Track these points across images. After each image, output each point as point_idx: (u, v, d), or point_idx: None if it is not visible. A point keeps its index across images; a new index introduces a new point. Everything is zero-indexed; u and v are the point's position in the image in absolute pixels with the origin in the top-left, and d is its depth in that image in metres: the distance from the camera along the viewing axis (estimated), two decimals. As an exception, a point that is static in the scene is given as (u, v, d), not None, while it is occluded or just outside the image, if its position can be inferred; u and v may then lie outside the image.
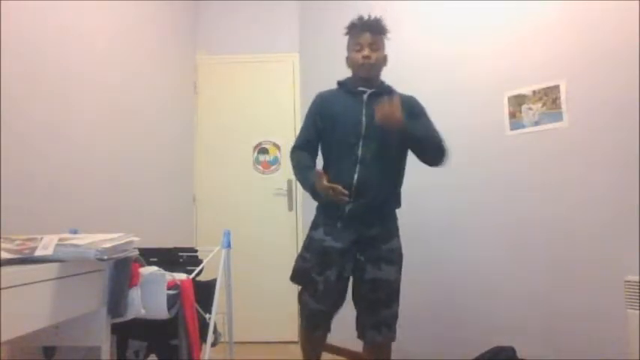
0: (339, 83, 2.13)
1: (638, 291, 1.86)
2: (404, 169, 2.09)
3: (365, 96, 2.00)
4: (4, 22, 2.02)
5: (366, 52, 1.98)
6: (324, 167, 2.04)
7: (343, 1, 3.45)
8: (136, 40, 3.08)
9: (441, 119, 2.74)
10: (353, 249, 1.93)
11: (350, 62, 2.07)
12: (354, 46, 2.03)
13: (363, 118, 1.95)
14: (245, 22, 3.91)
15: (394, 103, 1.78)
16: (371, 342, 1.93)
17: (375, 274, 1.91)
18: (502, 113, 2.45)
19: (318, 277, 1.92)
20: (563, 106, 2.21)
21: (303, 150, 2.08)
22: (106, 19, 2.77)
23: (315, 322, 1.99)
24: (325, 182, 1.84)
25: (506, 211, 2.41)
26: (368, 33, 2.00)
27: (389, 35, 2.07)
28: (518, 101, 2.39)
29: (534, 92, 2.32)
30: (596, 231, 2.08)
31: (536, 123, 2.31)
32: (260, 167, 3.77)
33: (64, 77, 2.40)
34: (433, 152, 1.99)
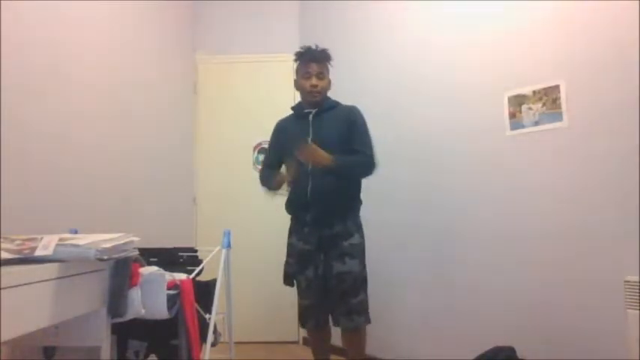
0: (292, 108, 2.45)
1: (638, 291, 1.86)
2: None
3: (310, 117, 2.31)
4: (4, 23, 2.02)
5: (313, 81, 2.28)
6: (290, 186, 2.35)
7: (343, 1, 3.45)
8: (136, 40, 3.08)
9: (441, 119, 2.76)
10: (320, 248, 2.21)
11: (299, 88, 2.36)
12: (303, 74, 2.32)
13: (309, 136, 2.25)
14: (245, 22, 3.91)
15: (311, 148, 2.12)
16: (345, 328, 2.20)
17: (340, 268, 2.16)
18: (502, 113, 2.45)
19: (300, 276, 2.26)
20: (563, 106, 2.21)
21: (269, 168, 2.44)
22: (106, 20, 2.77)
23: (305, 316, 2.31)
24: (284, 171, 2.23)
25: (506, 211, 2.41)
26: (315, 63, 2.30)
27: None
28: (518, 101, 2.38)
29: (534, 92, 2.32)
30: (596, 231, 2.08)
31: (536, 123, 2.31)
32: (260, 167, 3.77)
33: (63, 77, 2.40)
34: (363, 173, 2.32)
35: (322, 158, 2.13)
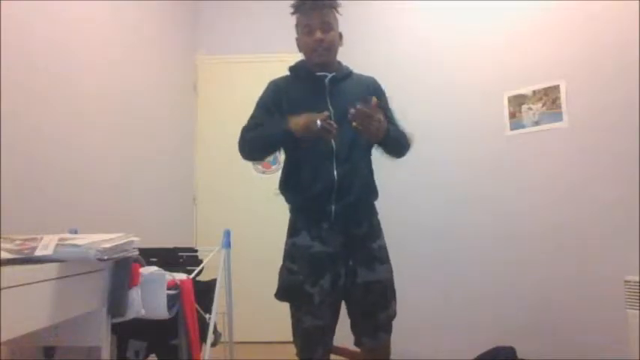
0: (291, 69, 1.90)
1: (638, 291, 1.86)
2: (370, 159, 1.87)
3: (326, 81, 1.77)
4: (4, 23, 2.02)
5: (317, 35, 1.72)
6: (292, 167, 1.79)
7: (342, 1, 3.44)
8: (136, 40, 3.08)
9: (442, 119, 2.76)
10: (344, 252, 1.69)
11: (301, 46, 1.82)
12: (303, 28, 1.77)
13: (331, 108, 1.69)
14: (245, 22, 3.91)
15: (371, 109, 1.53)
16: (371, 346, 1.75)
17: (368, 277, 1.69)
18: (502, 113, 2.45)
19: (312, 288, 1.65)
20: (563, 106, 2.21)
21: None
22: (106, 20, 2.77)
23: (313, 341, 1.69)
24: (305, 115, 1.59)
25: (506, 211, 2.41)
26: (317, 11, 1.74)
27: (341, 10, 1.82)
28: (518, 101, 2.39)
29: (534, 92, 2.32)
30: (596, 231, 2.08)
31: (536, 123, 2.31)
32: (260, 167, 3.77)
33: (63, 78, 2.40)
34: (405, 149, 1.85)
35: (380, 128, 1.57)
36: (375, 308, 1.71)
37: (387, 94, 1.89)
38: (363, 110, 1.50)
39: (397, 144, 1.80)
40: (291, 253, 1.74)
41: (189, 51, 3.79)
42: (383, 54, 3.14)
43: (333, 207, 1.68)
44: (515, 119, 2.39)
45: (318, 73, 1.78)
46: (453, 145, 2.67)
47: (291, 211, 1.81)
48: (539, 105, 2.30)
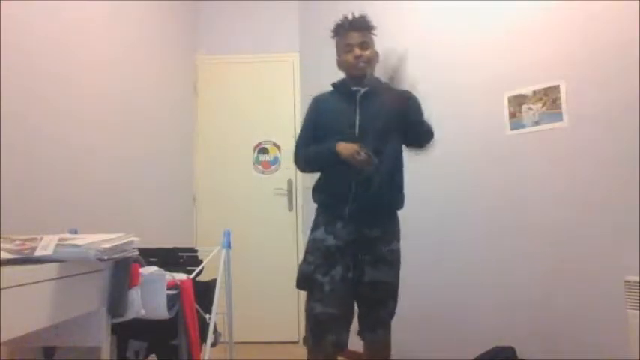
0: (334, 85, 2.10)
1: (638, 291, 1.86)
2: (402, 169, 2.04)
3: (358, 95, 1.97)
4: (4, 23, 2.02)
5: (357, 52, 1.96)
6: (324, 172, 2.03)
7: (343, 1, 3.44)
8: (137, 41, 3.08)
9: (442, 119, 2.75)
10: (353, 247, 1.88)
11: (342, 64, 2.05)
12: (344, 47, 2.00)
13: (357, 118, 1.93)
14: (245, 22, 3.91)
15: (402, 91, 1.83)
16: (368, 341, 1.95)
17: (374, 276, 1.87)
18: (502, 113, 2.45)
19: (323, 277, 1.84)
20: (563, 106, 2.21)
21: (307, 147, 2.06)
22: (107, 20, 2.77)
23: (323, 328, 1.80)
24: (351, 145, 1.82)
25: (506, 211, 2.41)
26: (356, 32, 1.99)
27: (376, 32, 2.07)
28: (518, 101, 2.39)
29: (534, 92, 2.32)
30: (596, 231, 2.08)
31: (536, 123, 2.31)
32: (260, 167, 3.77)
33: (63, 78, 2.40)
34: (429, 135, 2.00)
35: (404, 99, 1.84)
36: (377, 304, 1.90)
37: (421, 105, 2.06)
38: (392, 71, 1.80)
39: (421, 123, 1.97)
40: (310, 246, 1.95)
41: (189, 51, 3.79)
42: (383, 54, 3.13)
43: (347, 208, 1.88)
44: (515, 119, 2.39)
45: (354, 88, 1.99)
46: (452, 145, 2.67)
47: (316, 209, 2.03)
48: (539, 105, 2.30)
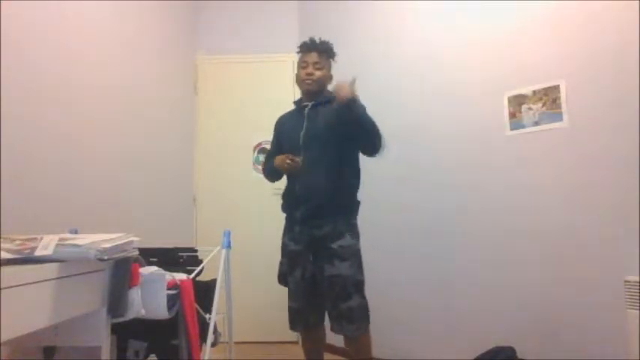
0: (294, 102, 2.36)
1: (638, 291, 1.86)
2: (352, 169, 2.21)
3: (306, 110, 2.21)
4: (4, 23, 2.02)
5: (309, 69, 2.19)
6: (286, 183, 2.30)
7: (343, 1, 3.45)
8: (137, 41, 3.08)
9: (441, 119, 2.76)
10: (309, 249, 2.14)
11: (297, 78, 2.27)
12: (301, 63, 2.24)
13: (302, 130, 2.17)
14: (245, 22, 3.91)
15: (350, 85, 1.94)
16: (338, 333, 2.07)
17: (330, 271, 2.05)
18: (502, 113, 2.45)
19: (290, 277, 2.19)
20: (563, 106, 2.21)
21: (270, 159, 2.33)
22: (107, 20, 2.77)
23: (295, 318, 2.19)
24: (281, 155, 2.12)
25: (506, 211, 2.42)
26: (314, 52, 2.21)
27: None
28: (518, 101, 2.39)
29: (534, 92, 2.32)
30: (596, 231, 2.08)
31: (536, 123, 2.31)
32: (260, 167, 3.76)
33: (63, 78, 2.40)
34: (377, 137, 2.09)
35: (345, 92, 1.93)
36: (338, 299, 2.04)
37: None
38: (340, 84, 1.97)
39: (367, 126, 2.05)
40: (281, 250, 2.28)
41: (189, 51, 3.79)
42: (383, 54, 3.14)
43: (298, 214, 2.16)
44: (515, 119, 2.40)
45: (303, 104, 2.25)
46: (452, 145, 2.67)
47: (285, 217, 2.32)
48: (539, 105, 2.30)
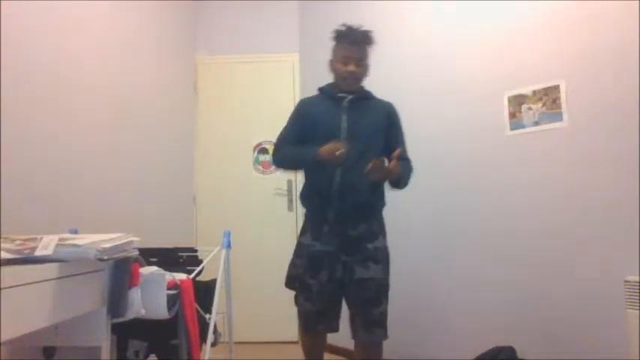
0: (320, 89, 2.16)
1: (638, 291, 1.86)
2: None
3: (345, 101, 2.04)
4: (4, 23, 2.02)
5: (351, 67, 2.01)
6: (307, 178, 2.12)
7: (343, 1, 3.45)
8: (137, 41, 3.08)
9: (442, 119, 2.76)
10: (340, 251, 1.98)
11: (334, 71, 2.09)
12: (341, 58, 2.04)
13: (344, 123, 2.01)
14: (245, 22, 3.91)
15: (379, 164, 1.86)
16: (362, 342, 1.97)
17: (363, 274, 1.94)
18: (502, 113, 2.45)
19: (311, 280, 1.99)
20: (563, 106, 2.21)
21: (288, 145, 2.12)
22: (107, 20, 2.77)
23: (313, 321, 2.03)
24: (333, 143, 1.88)
25: (506, 211, 2.41)
26: (355, 46, 2.02)
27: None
28: (518, 101, 2.39)
29: (534, 92, 2.32)
30: (596, 231, 2.08)
31: (536, 123, 2.31)
32: (260, 167, 3.77)
33: (63, 78, 2.40)
34: (405, 185, 2.09)
35: (394, 172, 1.91)
36: (369, 304, 1.93)
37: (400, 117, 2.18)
38: (375, 165, 1.84)
39: (402, 183, 2.05)
40: (298, 250, 2.08)
41: (189, 51, 3.79)
42: (383, 54, 3.13)
43: (331, 212, 1.98)
44: (515, 119, 2.39)
45: (340, 94, 2.06)
46: (452, 145, 2.67)
47: (305, 214, 2.14)
48: (539, 105, 2.30)
